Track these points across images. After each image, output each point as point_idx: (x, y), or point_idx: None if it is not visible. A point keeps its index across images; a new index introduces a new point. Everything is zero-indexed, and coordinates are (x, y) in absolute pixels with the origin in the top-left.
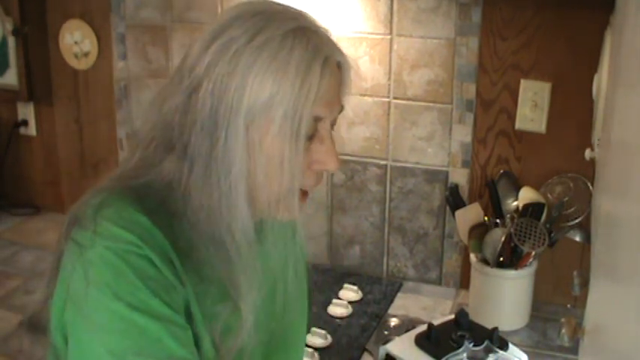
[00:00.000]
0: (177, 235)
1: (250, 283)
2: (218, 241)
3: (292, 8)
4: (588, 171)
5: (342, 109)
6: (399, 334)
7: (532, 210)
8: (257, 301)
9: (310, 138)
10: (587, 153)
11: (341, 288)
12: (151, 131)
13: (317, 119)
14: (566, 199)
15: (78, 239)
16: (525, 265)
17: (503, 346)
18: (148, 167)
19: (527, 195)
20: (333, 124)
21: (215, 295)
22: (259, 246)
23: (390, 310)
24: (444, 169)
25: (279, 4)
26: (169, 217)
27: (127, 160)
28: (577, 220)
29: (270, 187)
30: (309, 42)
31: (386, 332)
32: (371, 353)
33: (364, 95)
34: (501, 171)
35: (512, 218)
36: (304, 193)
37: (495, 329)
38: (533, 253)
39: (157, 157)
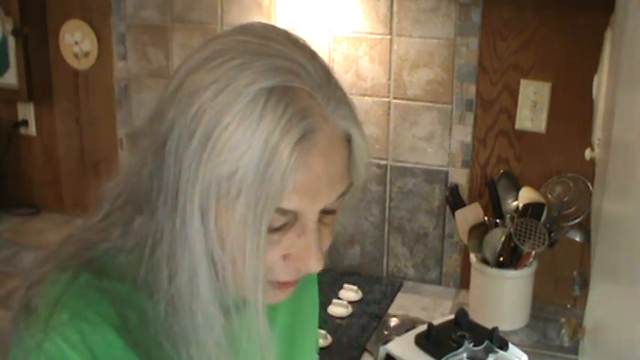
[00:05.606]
0: (140, 341)
1: None
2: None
3: (292, 49)
4: (588, 171)
5: (347, 188)
6: (399, 334)
7: (532, 210)
8: None
9: (281, 229)
10: (587, 153)
11: (341, 288)
12: (119, 185)
13: (286, 212)
14: (566, 199)
15: (24, 338)
16: (525, 265)
17: (503, 346)
18: (114, 227)
19: (527, 195)
20: (328, 211)
21: None
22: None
23: (390, 310)
24: (443, 169)
25: (279, 38)
26: (134, 311)
27: (94, 215)
28: (577, 220)
29: (236, 275)
30: (286, 109)
31: (386, 332)
32: (371, 353)
33: (364, 95)
34: (501, 171)
35: (512, 218)
36: (284, 284)
37: (495, 329)
38: (533, 253)
39: (125, 217)
